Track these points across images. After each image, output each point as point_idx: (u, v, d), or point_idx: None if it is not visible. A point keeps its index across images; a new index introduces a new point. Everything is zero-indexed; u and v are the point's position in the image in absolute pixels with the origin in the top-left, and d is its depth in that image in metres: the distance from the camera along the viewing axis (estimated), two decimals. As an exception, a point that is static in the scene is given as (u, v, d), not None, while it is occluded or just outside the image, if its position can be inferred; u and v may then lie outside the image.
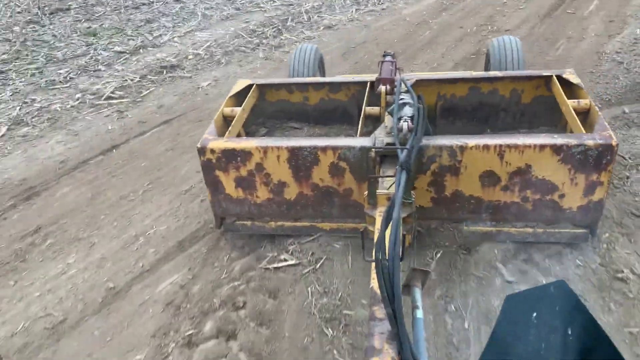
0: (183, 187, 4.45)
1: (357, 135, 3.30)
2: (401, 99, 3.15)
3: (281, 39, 8.11)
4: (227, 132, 3.44)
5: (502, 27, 7.74)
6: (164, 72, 7.14)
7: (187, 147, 5.13)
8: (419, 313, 2.05)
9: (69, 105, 6.31)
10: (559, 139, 2.84)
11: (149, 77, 7.02)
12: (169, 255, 3.67)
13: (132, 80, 6.92)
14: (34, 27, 9.18)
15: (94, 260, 3.73)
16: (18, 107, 6.31)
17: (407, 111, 2.99)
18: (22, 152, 5.40)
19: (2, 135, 5.73)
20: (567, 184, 2.93)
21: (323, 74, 5.18)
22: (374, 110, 3.65)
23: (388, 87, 3.63)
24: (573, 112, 3.17)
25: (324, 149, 3.05)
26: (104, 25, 9.22)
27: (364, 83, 3.93)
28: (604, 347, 0.97)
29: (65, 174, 4.95)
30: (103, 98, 6.46)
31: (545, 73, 3.74)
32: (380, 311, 1.83)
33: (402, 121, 2.87)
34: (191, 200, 4.26)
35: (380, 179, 2.82)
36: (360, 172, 3.04)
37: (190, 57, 7.62)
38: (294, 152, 3.09)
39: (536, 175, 2.92)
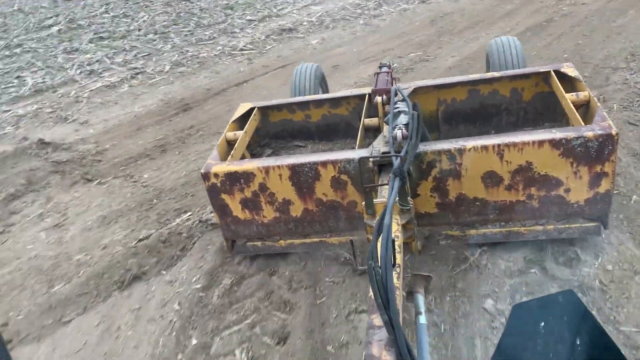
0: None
1: (357, 148, 3.19)
2: (396, 107, 3.07)
3: (380, 10, 9.40)
4: (229, 156, 3.37)
5: (579, 1, 8.37)
6: (283, 34, 8.77)
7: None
8: (422, 319, 2.02)
9: (212, 54, 8.15)
10: (557, 134, 2.72)
11: (272, 37, 8.68)
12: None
13: (259, 39, 8.61)
14: (185, 3, 11.24)
15: (229, 143, 5.30)
16: (176, 55, 8.25)
17: (402, 119, 2.92)
18: (180, 82, 7.25)
19: (167, 72, 7.65)
20: (571, 177, 2.79)
21: (326, 91, 5.03)
22: (373, 121, 3.58)
23: (384, 97, 3.57)
24: (572, 105, 3.09)
25: (324, 163, 2.97)
26: (239, 2, 11.07)
27: (362, 96, 3.84)
28: (612, 356, 0.95)
29: (210, 97, 6.65)
30: (237, 50, 8.21)
31: (543, 69, 3.60)
32: (378, 319, 1.77)
33: (396, 129, 2.81)
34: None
35: (379, 188, 2.75)
36: (362, 184, 2.91)
37: (304, 23, 9.16)
38: (295, 169, 3.01)
39: (538, 171, 2.80)
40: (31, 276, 3.71)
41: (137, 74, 7.68)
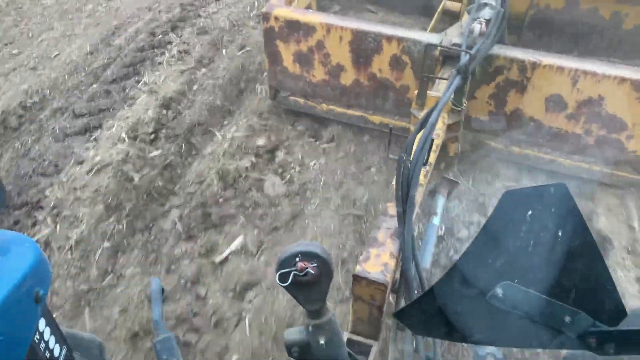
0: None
1: (429, 30, 2.94)
2: None
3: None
4: (295, 1, 3.13)
5: None
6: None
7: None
8: (435, 220, 1.95)
9: None
10: None
11: None
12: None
13: None
14: None
15: None
16: None
17: (485, 13, 2.61)
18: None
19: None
20: (639, 125, 2.53)
21: None
22: (454, 5, 3.21)
23: None
24: None
25: (389, 38, 2.72)
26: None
27: None
28: (590, 253, 0.92)
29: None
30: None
31: None
32: (392, 208, 1.72)
33: (476, 22, 2.53)
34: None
35: (437, 81, 2.53)
36: (421, 71, 2.63)
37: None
38: (357, 35, 2.77)
39: (607, 109, 2.53)
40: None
41: None
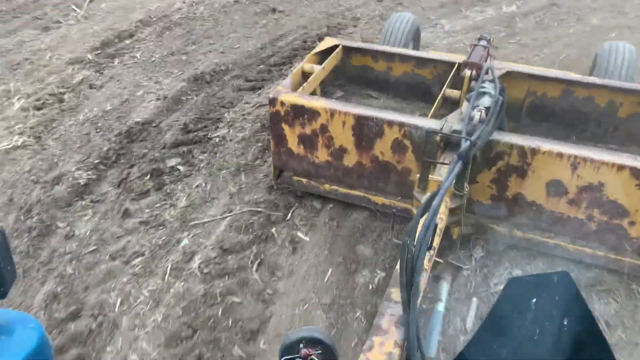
0: None
1: (429, 116, 2.99)
2: (482, 87, 2.84)
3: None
4: (301, 88, 3.23)
5: None
6: None
7: None
8: (440, 306, 1.92)
9: None
10: None
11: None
12: None
13: None
14: None
15: None
16: None
17: (485, 101, 2.71)
18: None
19: None
20: None
21: (417, 47, 4.53)
22: (454, 93, 3.30)
23: (474, 72, 3.28)
24: None
25: (391, 123, 2.81)
26: None
27: (451, 64, 3.52)
28: (596, 342, 0.91)
29: None
30: None
31: None
32: (396, 294, 1.69)
33: (475, 110, 2.61)
34: None
35: (438, 165, 2.58)
36: (423, 156, 2.66)
37: None
38: (360, 120, 2.87)
39: (608, 195, 2.55)
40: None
41: None
